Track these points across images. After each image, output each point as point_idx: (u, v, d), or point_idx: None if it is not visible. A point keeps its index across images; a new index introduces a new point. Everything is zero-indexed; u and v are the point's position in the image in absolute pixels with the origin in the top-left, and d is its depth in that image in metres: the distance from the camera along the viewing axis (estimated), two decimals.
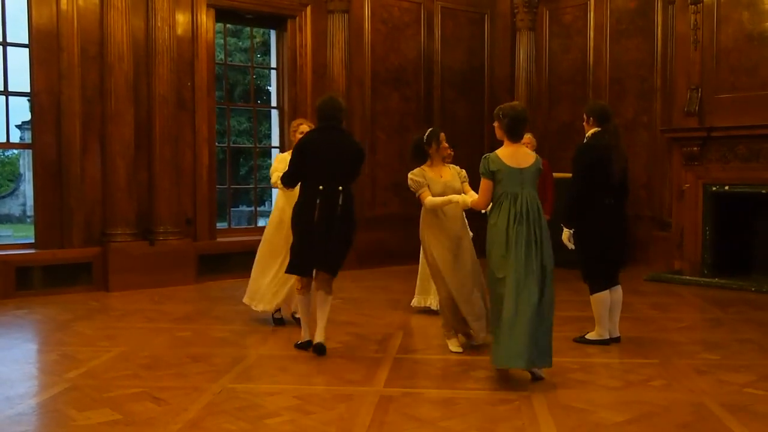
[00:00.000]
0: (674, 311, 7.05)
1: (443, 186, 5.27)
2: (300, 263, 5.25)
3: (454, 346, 5.37)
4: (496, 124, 4.80)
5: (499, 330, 4.54)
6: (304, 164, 5.20)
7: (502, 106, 4.84)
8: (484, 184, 4.68)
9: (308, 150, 5.20)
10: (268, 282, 6.21)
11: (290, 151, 5.69)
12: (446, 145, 5.44)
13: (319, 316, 5.27)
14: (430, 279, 6.01)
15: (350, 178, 5.31)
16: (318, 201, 5.10)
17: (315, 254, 5.18)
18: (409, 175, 5.35)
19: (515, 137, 4.71)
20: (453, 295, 5.28)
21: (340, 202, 5.15)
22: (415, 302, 6.83)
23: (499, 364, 4.57)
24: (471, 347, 5.41)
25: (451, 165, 5.58)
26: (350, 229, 5.29)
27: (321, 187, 5.11)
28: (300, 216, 5.20)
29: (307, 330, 5.38)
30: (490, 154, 4.70)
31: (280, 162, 6.13)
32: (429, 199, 5.22)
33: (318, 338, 5.24)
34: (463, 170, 5.59)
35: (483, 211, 4.87)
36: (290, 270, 5.32)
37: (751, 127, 8.08)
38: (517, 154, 4.68)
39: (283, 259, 5.78)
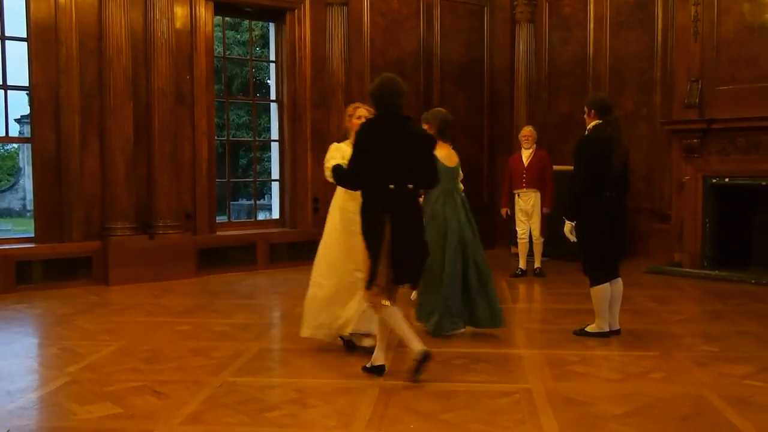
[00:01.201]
0: (674, 303, 7.06)
1: None
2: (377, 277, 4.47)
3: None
4: (425, 126, 5.47)
5: (444, 303, 5.43)
6: (368, 161, 4.42)
7: (429, 111, 5.65)
8: None
9: (371, 144, 4.43)
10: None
11: (347, 141, 5.07)
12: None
13: (404, 327, 4.52)
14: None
15: (422, 174, 4.58)
16: (389, 203, 4.40)
17: (399, 265, 4.47)
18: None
19: (446, 137, 5.56)
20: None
21: (412, 203, 4.55)
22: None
23: (443, 332, 5.44)
24: (475, 337, 5.42)
25: None
26: (423, 232, 4.71)
27: (391, 187, 4.41)
28: (371, 224, 4.43)
29: (383, 353, 4.56)
30: None
31: (336, 151, 5.12)
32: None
33: (420, 345, 4.45)
34: None
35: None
36: (367, 285, 4.50)
37: (751, 119, 8.07)
38: (449, 154, 5.59)
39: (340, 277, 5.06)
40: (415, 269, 4.61)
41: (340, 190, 5.07)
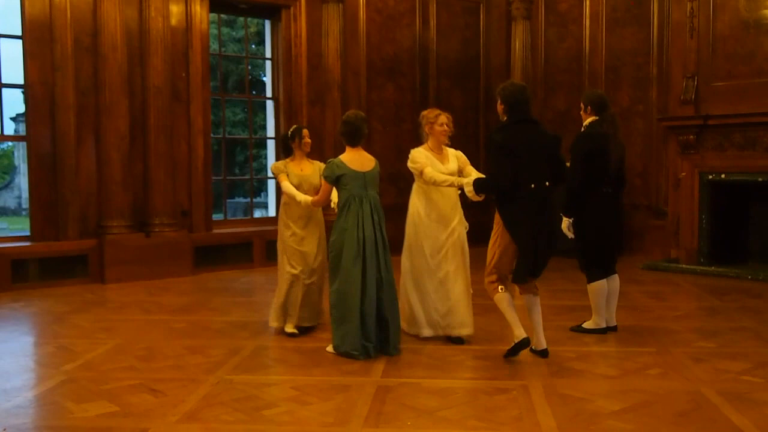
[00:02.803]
0: (671, 300, 7.06)
1: (300, 179, 5.71)
2: (525, 271, 4.80)
3: (289, 328, 5.64)
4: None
5: (347, 320, 4.95)
6: (511, 163, 4.66)
7: (343, 116, 5.29)
8: (326, 186, 5.17)
9: (514, 147, 4.68)
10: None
11: (425, 146, 5.30)
12: (308, 140, 5.81)
13: (536, 320, 4.92)
14: None
15: (555, 171, 4.83)
16: (532, 201, 4.68)
17: (538, 261, 4.78)
18: (273, 164, 5.90)
19: (353, 142, 5.14)
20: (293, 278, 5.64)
21: (548, 200, 4.77)
22: None
23: (343, 350, 4.96)
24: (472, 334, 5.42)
25: (314, 161, 5.95)
26: (554, 228, 4.92)
27: (533, 186, 4.68)
28: (519, 223, 4.71)
29: (520, 326, 4.82)
30: (335, 159, 5.15)
31: (425, 158, 5.27)
32: (284, 184, 5.67)
33: (542, 345, 4.91)
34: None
35: (332, 205, 5.38)
36: (518, 279, 4.84)
37: (747, 115, 8.08)
38: (360, 159, 5.13)
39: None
40: (543, 263, 4.86)
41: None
